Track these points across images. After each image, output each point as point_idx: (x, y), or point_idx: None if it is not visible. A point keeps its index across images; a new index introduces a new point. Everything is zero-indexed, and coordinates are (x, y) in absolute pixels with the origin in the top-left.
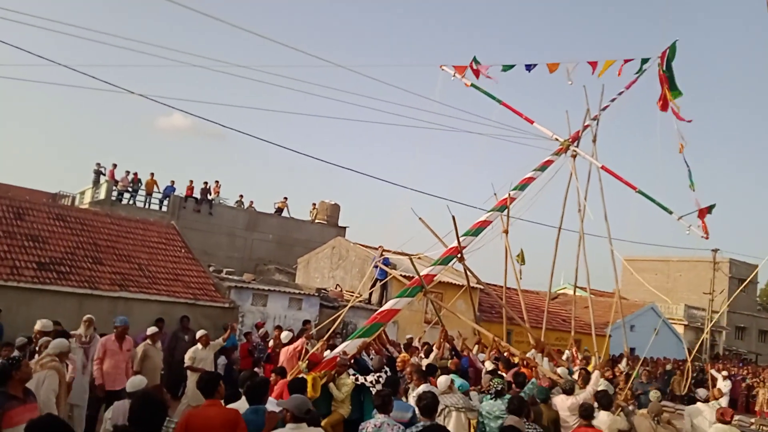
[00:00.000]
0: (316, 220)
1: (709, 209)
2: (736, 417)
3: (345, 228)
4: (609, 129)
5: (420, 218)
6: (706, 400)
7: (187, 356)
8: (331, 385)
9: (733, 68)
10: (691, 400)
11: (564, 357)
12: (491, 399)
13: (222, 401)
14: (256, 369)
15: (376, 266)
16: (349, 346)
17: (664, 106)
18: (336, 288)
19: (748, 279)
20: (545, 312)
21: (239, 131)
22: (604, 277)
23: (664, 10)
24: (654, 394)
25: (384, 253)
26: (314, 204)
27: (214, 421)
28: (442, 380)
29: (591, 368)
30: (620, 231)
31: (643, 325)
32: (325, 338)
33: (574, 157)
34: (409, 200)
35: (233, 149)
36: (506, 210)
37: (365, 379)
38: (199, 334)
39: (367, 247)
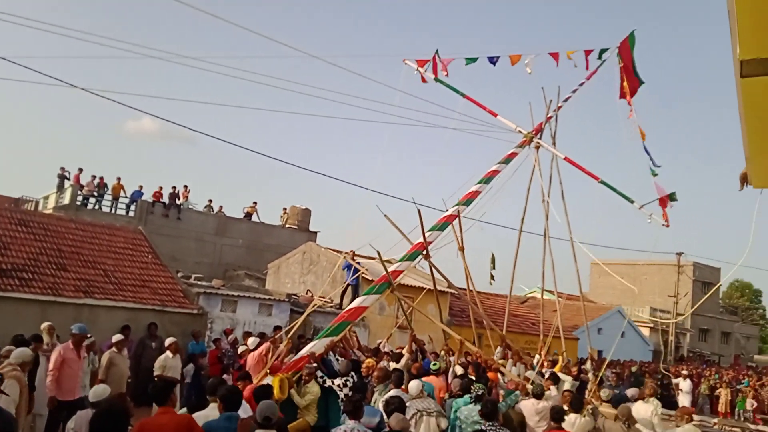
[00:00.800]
0: (287, 225)
1: (670, 197)
2: (698, 417)
3: (316, 233)
4: (571, 121)
5: (385, 215)
6: (635, 399)
7: (157, 364)
8: (293, 391)
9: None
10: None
11: (534, 361)
12: (471, 404)
13: (175, 409)
14: (225, 376)
15: (347, 267)
16: (316, 346)
17: (622, 95)
18: (307, 293)
19: (717, 285)
20: (506, 315)
21: (207, 134)
22: (575, 281)
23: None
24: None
25: (354, 257)
26: (285, 209)
27: (167, 429)
28: (414, 385)
29: (558, 369)
30: (588, 236)
31: (609, 327)
32: (288, 338)
33: (538, 148)
34: (376, 200)
35: (203, 154)
36: (454, 226)
37: (332, 382)
38: (168, 341)
39: (338, 251)
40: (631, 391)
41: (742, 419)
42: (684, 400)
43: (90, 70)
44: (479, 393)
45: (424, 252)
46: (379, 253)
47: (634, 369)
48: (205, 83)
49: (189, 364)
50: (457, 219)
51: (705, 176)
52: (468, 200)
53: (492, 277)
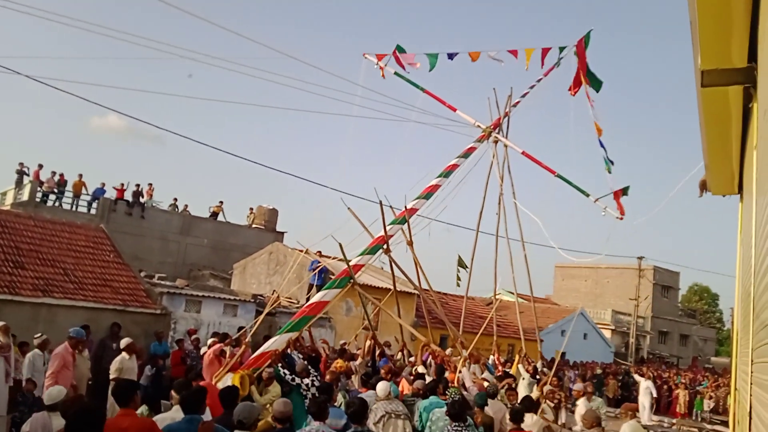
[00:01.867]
0: (253, 225)
1: (624, 191)
2: (656, 418)
3: (283, 233)
4: (530, 118)
5: (349, 208)
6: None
7: (113, 367)
8: (252, 388)
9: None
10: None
11: (489, 361)
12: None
13: (137, 411)
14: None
15: (312, 268)
16: (276, 342)
17: (575, 87)
18: (273, 294)
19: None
20: (461, 316)
21: (173, 132)
22: (538, 283)
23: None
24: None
25: (320, 256)
26: (251, 208)
27: None
28: (382, 387)
29: (513, 369)
30: (553, 238)
31: (572, 329)
32: (247, 339)
33: (496, 143)
34: (340, 198)
35: (171, 153)
36: (408, 221)
37: (301, 381)
38: (123, 342)
39: (304, 252)
40: (577, 386)
41: (700, 419)
42: (645, 400)
43: (61, 62)
44: (455, 398)
45: (385, 246)
46: (340, 245)
47: (598, 371)
48: (170, 76)
49: (147, 365)
50: (406, 216)
51: (665, 183)
52: (428, 194)
53: (458, 278)
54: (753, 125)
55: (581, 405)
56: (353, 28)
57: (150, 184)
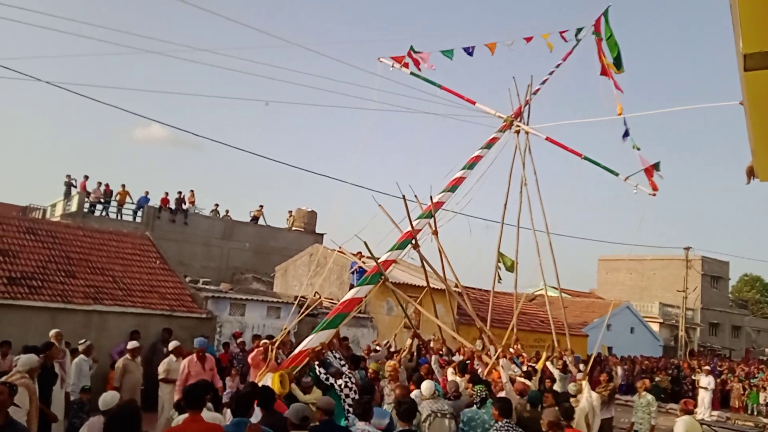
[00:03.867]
0: (293, 228)
1: (655, 166)
2: (716, 413)
3: (322, 235)
4: (553, 103)
5: (380, 205)
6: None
7: (160, 368)
8: (294, 386)
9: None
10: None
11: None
12: (476, 407)
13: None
14: (228, 378)
15: (352, 272)
16: (313, 340)
17: (603, 72)
18: (315, 296)
19: None
20: (484, 311)
21: (213, 140)
22: (583, 277)
23: None
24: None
25: (362, 258)
26: (290, 212)
27: None
28: (426, 386)
29: (540, 364)
30: (592, 231)
31: (619, 323)
32: (284, 332)
33: (518, 133)
34: (369, 196)
35: (211, 159)
36: (433, 213)
37: (335, 381)
38: (171, 345)
39: (345, 253)
40: (572, 387)
41: (756, 413)
42: (706, 396)
43: (100, 73)
44: (482, 396)
45: (413, 241)
46: (365, 243)
47: (643, 367)
48: (201, 80)
49: None
50: (431, 210)
51: (711, 171)
52: (453, 186)
53: (499, 276)
54: None
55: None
56: (365, 30)
57: (192, 191)
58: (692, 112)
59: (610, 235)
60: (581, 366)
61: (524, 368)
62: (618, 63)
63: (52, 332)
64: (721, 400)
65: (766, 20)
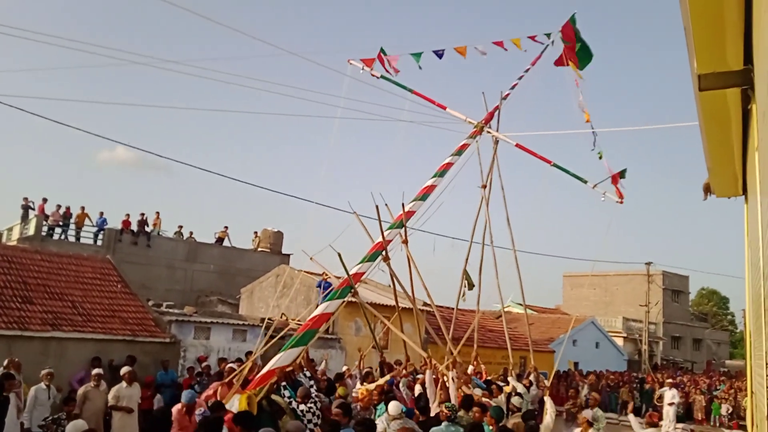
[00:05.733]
0: (259, 249)
1: (621, 174)
2: (680, 425)
3: (289, 255)
4: (520, 109)
5: (354, 212)
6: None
7: (110, 395)
8: (278, 398)
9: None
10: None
11: (468, 371)
12: (447, 424)
13: None
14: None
15: (320, 286)
16: (282, 359)
17: (561, 62)
18: (282, 317)
19: None
20: (447, 328)
21: (177, 161)
22: (548, 293)
23: None
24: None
25: (326, 278)
26: (256, 232)
27: None
28: (393, 406)
29: (509, 387)
30: (557, 246)
31: (584, 339)
32: (251, 359)
33: (479, 133)
34: (339, 211)
35: (178, 181)
36: (404, 223)
37: (297, 406)
38: (122, 371)
39: (312, 273)
40: (515, 399)
41: (718, 424)
42: (670, 409)
43: (62, 88)
44: (454, 413)
45: (384, 253)
46: (339, 254)
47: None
48: (166, 95)
49: (157, 394)
50: (403, 219)
51: (669, 187)
52: (424, 195)
53: (464, 294)
54: (753, 127)
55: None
56: (336, 36)
57: (157, 213)
58: (651, 128)
59: (575, 251)
60: (545, 382)
61: (482, 383)
62: (584, 59)
63: (6, 361)
64: (684, 412)
65: (720, 42)
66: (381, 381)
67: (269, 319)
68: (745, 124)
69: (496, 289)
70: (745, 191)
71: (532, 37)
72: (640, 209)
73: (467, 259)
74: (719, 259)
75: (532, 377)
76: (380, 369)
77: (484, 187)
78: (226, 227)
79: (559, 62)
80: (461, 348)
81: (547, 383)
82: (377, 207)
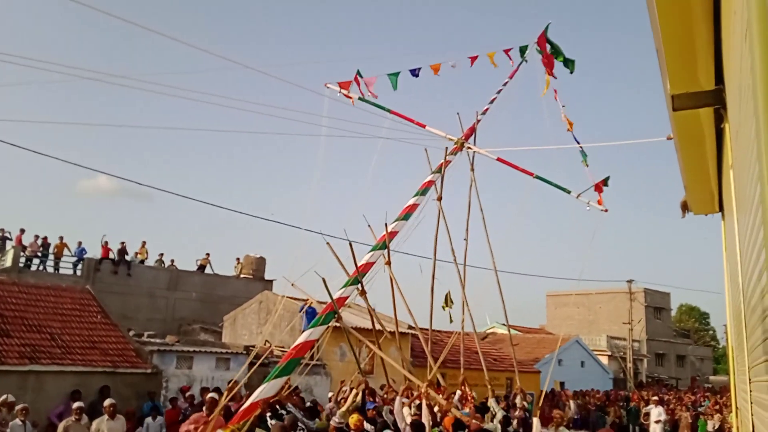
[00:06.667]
0: (241, 275)
1: (605, 182)
2: None
3: (272, 281)
4: (500, 122)
5: (327, 243)
6: None
7: (92, 428)
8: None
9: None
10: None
11: (456, 397)
12: None
13: None
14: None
15: (304, 312)
16: (265, 390)
17: (547, 85)
18: (265, 344)
19: None
20: (456, 353)
21: (158, 188)
22: (532, 313)
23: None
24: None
25: (310, 303)
26: (238, 258)
27: None
28: None
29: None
30: (540, 268)
31: (569, 358)
32: (231, 390)
33: (459, 149)
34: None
35: (159, 209)
36: (387, 245)
37: None
38: (105, 403)
39: (295, 299)
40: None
41: None
42: (657, 427)
43: (38, 108)
44: None
45: (359, 287)
46: (323, 279)
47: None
48: (144, 116)
49: (139, 427)
50: (386, 240)
51: (649, 205)
52: (407, 214)
53: (450, 316)
54: (727, 145)
55: None
56: (313, 56)
57: (143, 242)
58: (630, 146)
59: (557, 269)
60: (524, 403)
61: (466, 410)
62: (569, 63)
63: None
64: (671, 429)
65: (691, 63)
66: (349, 401)
67: (252, 346)
68: (719, 143)
69: (474, 310)
70: (721, 208)
71: (507, 51)
72: (620, 227)
73: (433, 277)
74: (698, 276)
75: (518, 399)
76: (362, 396)
77: (440, 199)
78: (208, 254)
79: (548, 69)
80: (449, 371)
81: (526, 404)
82: (350, 243)
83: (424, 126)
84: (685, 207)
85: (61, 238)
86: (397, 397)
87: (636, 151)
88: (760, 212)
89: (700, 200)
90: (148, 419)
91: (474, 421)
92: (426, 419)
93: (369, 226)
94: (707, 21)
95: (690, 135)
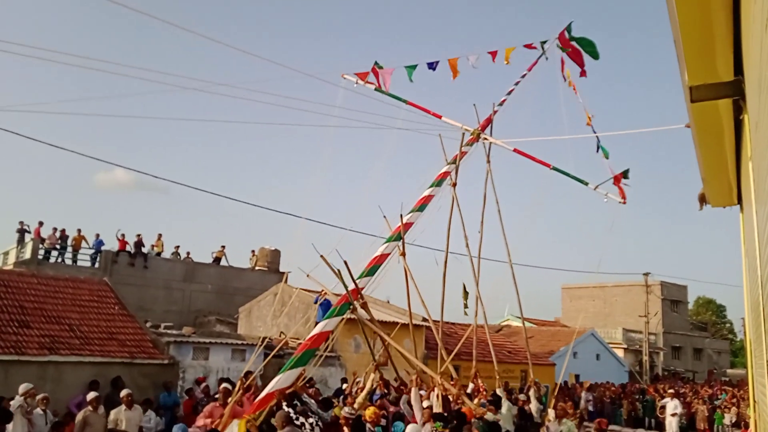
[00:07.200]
0: (257, 268)
1: (624, 174)
2: None
3: (286, 273)
4: (518, 115)
5: (321, 255)
6: None
7: (110, 418)
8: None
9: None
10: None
11: (469, 389)
12: None
13: None
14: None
15: (320, 304)
16: (281, 380)
17: (569, 78)
18: (280, 336)
19: None
20: (471, 345)
21: (173, 181)
22: (547, 306)
23: None
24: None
25: (324, 295)
26: (253, 251)
27: None
28: (412, 429)
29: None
30: (556, 260)
31: (584, 351)
32: (242, 377)
33: (476, 140)
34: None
35: (175, 202)
36: (402, 236)
37: (305, 421)
38: (122, 393)
39: (310, 291)
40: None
41: None
42: (673, 420)
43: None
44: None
45: (353, 304)
46: (339, 272)
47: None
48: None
49: (156, 416)
50: (401, 231)
51: (666, 197)
52: (422, 206)
53: (466, 306)
54: (746, 136)
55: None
56: (329, 49)
57: (159, 235)
58: (648, 139)
59: (573, 262)
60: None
61: (477, 400)
62: (593, 51)
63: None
64: (687, 422)
65: (710, 54)
66: (363, 393)
67: (268, 338)
68: (737, 135)
69: (491, 302)
70: (740, 200)
71: (529, 46)
72: (637, 219)
73: (446, 265)
74: (715, 268)
75: (532, 391)
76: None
77: (455, 185)
78: (223, 246)
79: (582, 73)
80: (463, 364)
81: (528, 396)
82: (345, 263)
83: (440, 117)
84: (702, 199)
85: (79, 230)
86: (413, 389)
87: (653, 143)
88: None
89: (718, 192)
90: (150, 412)
91: (478, 409)
92: (437, 410)
93: (384, 217)
94: (726, 10)
95: (708, 127)
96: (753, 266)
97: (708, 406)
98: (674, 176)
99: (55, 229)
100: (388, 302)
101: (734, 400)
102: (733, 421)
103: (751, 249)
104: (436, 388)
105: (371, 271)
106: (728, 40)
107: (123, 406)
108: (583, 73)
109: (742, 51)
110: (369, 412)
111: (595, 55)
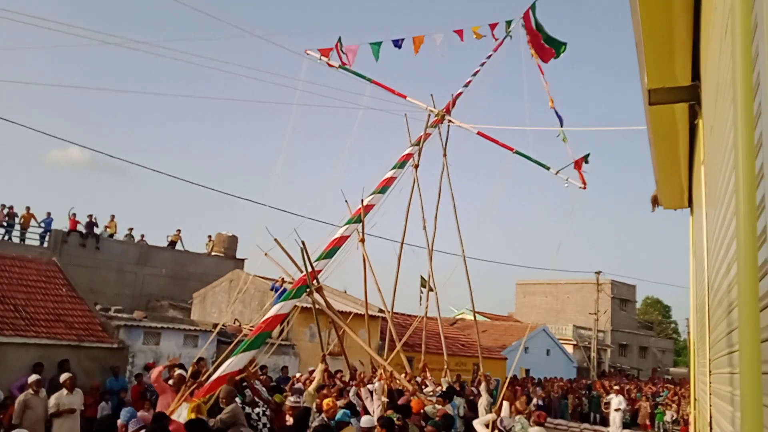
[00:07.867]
0: (213, 253)
1: (585, 158)
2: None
3: (243, 260)
4: (479, 98)
5: (275, 239)
6: None
7: (50, 402)
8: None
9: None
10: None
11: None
12: None
13: None
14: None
15: (275, 289)
16: (233, 363)
17: (544, 56)
18: (234, 323)
19: None
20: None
21: (130, 162)
22: (501, 301)
23: None
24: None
25: (281, 283)
26: (210, 236)
27: None
28: (366, 420)
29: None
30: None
31: (536, 346)
32: (194, 362)
33: (440, 121)
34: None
35: (133, 183)
36: (362, 220)
37: (252, 411)
38: (62, 377)
39: (266, 278)
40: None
41: (663, 431)
42: (617, 416)
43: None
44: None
45: (310, 287)
46: (303, 244)
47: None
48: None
49: (102, 401)
50: (361, 214)
51: (619, 199)
52: (383, 187)
53: (421, 299)
54: (699, 141)
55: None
56: (290, 26)
57: (112, 216)
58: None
59: (529, 258)
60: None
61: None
62: (557, 45)
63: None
64: (630, 418)
65: (669, 59)
66: (314, 384)
67: (223, 325)
68: (691, 139)
69: (445, 295)
70: (690, 204)
71: (493, 25)
72: (590, 219)
73: (401, 253)
74: (663, 269)
75: (483, 385)
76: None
77: (417, 167)
78: (179, 230)
79: (533, 49)
80: (417, 356)
81: (478, 390)
82: (303, 244)
83: (404, 96)
84: (655, 201)
85: (28, 208)
86: (370, 384)
87: (609, 141)
88: (733, 203)
89: (671, 195)
90: (102, 404)
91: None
92: (382, 400)
93: (346, 201)
94: (687, 16)
95: (664, 130)
96: (700, 268)
97: (651, 403)
98: (629, 176)
99: (2, 206)
100: (345, 292)
101: (675, 398)
102: (673, 418)
103: (699, 251)
104: (381, 379)
105: (330, 253)
106: (687, 46)
107: (64, 390)
108: (536, 53)
109: (700, 56)
110: (326, 402)
111: (556, 48)
